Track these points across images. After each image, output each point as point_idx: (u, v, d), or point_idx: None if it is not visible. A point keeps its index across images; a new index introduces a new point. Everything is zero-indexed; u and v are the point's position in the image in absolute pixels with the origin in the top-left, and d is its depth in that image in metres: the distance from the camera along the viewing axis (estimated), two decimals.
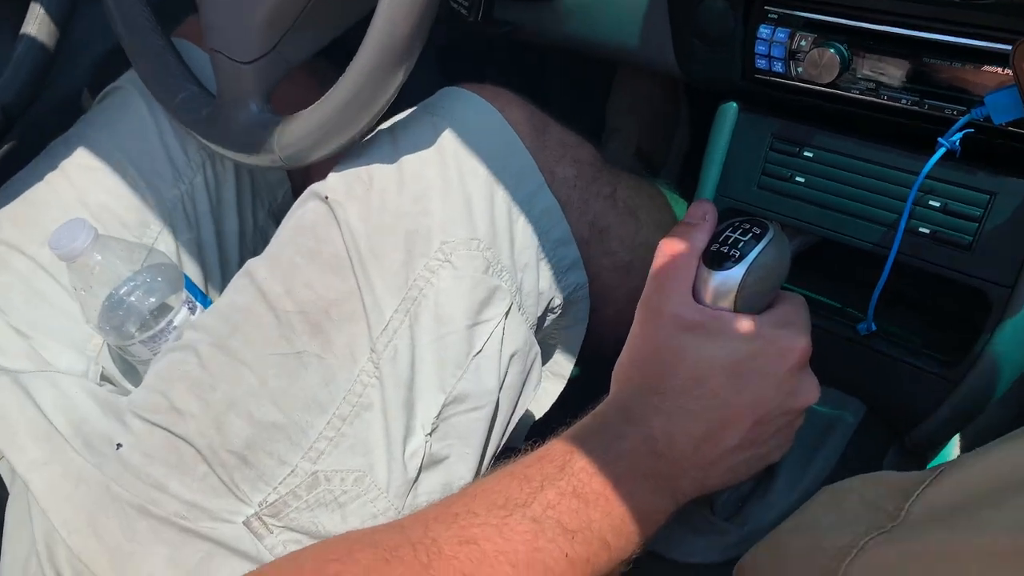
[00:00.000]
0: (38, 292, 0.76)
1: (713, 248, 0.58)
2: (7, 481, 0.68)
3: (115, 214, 0.80)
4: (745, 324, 0.56)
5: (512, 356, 0.69)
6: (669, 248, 0.59)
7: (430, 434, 0.65)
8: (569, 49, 0.82)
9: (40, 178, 0.80)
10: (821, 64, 0.61)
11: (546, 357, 0.80)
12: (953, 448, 0.72)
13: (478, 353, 0.67)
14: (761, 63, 0.66)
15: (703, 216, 0.60)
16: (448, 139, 0.69)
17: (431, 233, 0.66)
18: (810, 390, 0.57)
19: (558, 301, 0.75)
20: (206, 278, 0.86)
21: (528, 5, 0.81)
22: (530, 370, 0.72)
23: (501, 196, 0.69)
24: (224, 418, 0.62)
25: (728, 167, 0.73)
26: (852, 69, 0.62)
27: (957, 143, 0.58)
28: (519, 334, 0.70)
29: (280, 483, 0.62)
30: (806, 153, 0.68)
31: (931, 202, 0.63)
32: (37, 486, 0.62)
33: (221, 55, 0.70)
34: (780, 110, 0.70)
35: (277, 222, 0.73)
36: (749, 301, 0.56)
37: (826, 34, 0.62)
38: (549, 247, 0.73)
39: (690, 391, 0.54)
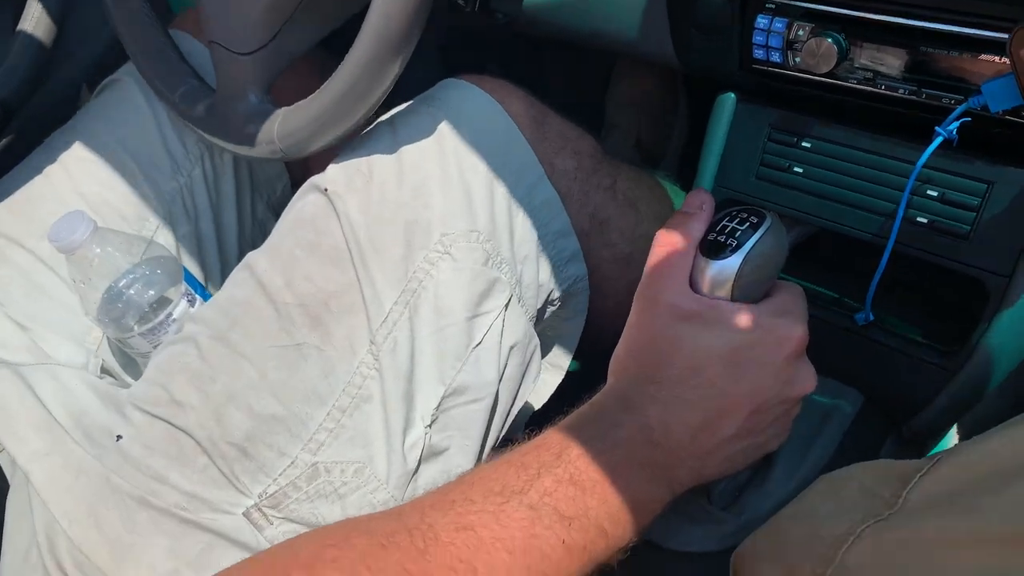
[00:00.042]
0: (38, 285, 0.76)
1: (710, 237, 0.58)
2: (7, 473, 0.68)
3: (114, 207, 0.80)
4: (742, 313, 0.56)
5: (512, 348, 0.69)
6: (666, 238, 0.59)
7: (429, 426, 0.66)
8: (568, 41, 0.82)
9: (39, 171, 0.80)
10: (819, 54, 0.61)
11: (545, 349, 0.80)
12: (952, 438, 0.72)
13: (478, 345, 0.67)
14: (759, 53, 0.66)
15: (700, 205, 0.60)
16: (448, 131, 0.69)
17: (431, 225, 0.66)
18: (807, 379, 0.57)
19: (558, 293, 0.75)
20: (205, 271, 0.86)
21: None
22: (529, 362, 0.73)
23: (501, 188, 0.69)
24: (224, 410, 0.62)
25: (726, 158, 0.73)
26: (850, 59, 0.62)
27: (954, 132, 0.58)
28: (519, 326, 0.70)
29: (280, 474, 0.62)
30: (804, 143, 0.68)
31: (929, 192, 0.63)
32: (38, 477, 0.62)
33: (220, 47, 0.70)
34: (778, 100, 0.70)
35: (276, 215, 0.73)
36: (746, 290, 0.56)
37: (824, 24, 0.62)
38: (549, 239, 0.73)
39: (687, 380, 0.54)
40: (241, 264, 0.69)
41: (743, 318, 0.55)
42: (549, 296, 0.74)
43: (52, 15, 0.85)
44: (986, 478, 0.45)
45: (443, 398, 0.66)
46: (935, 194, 0.62)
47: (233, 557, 0.60)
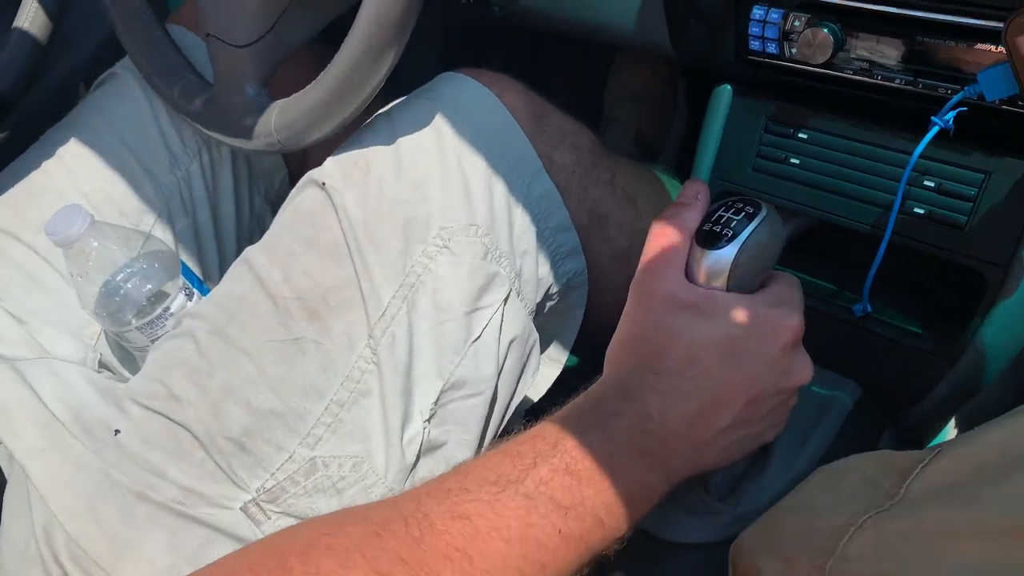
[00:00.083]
0: (35, 279, 0.76)
1: (706, 228, 0.58)
2: (5, 468, 0.68)
3: (112, 201, 0.80)
4: (738, 303, 0.55)
5: (511, 342, 0.69)
6: (662, 228, 0.59)
7: (428, 420, 0.65)
8: (564, 33, 0.82)
9: (37, 165, 0.80)
10: (815, 44, 0.61)
11: (544, 343, 0.80)
12: (950, 429, 0.72)
13: (476, 339, 0.67)
14: (755, 44, 0.66)
15: (696, 196, 0.60)
16: (446, 124, 0.69)
17: (429, 219, 0.66)
18: (803, 369, 0.57)
19: (557, 287, 0.75)
20: (203, 265, 0.86)
21: None
22: (528, 356, 0.72)
23: (499, 182, 0.69)
24: (222, 405, 0.62)
25: (723, 150, 0.73)
26: (845, 49, 0.62)
27: (951, 122, 0.58)
28: (518, 320, 0.70)
29: (278, 469, 0.62)
30: (800, 135, 0.68)
31: (926, 183, 0.63)
32: (36, 472, 0.62)
33: (217, 40, 0.70)
34: (774, 92, 0.70)
35: (274, 208, 0.73)
36: (742, 280, 0.56)
37: (819, 14, 0.62)
38: (548, 233, 0.72)
39: (683, 371, 0.54)
40: (239, 259, 0.69)
41: (739, 308, 0.55)
42: (548, 290, 0.74)
43: (48, 11, 0.84)
44: (987, 469, 0.45)
45: (442, 392, 0.66)
46: (932, 185, 0.62)
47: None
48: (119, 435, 0.63)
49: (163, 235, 0.82)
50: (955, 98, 0.57)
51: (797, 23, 0.63)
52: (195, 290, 0.76)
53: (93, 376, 0.69)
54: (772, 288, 0.58)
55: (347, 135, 0.71)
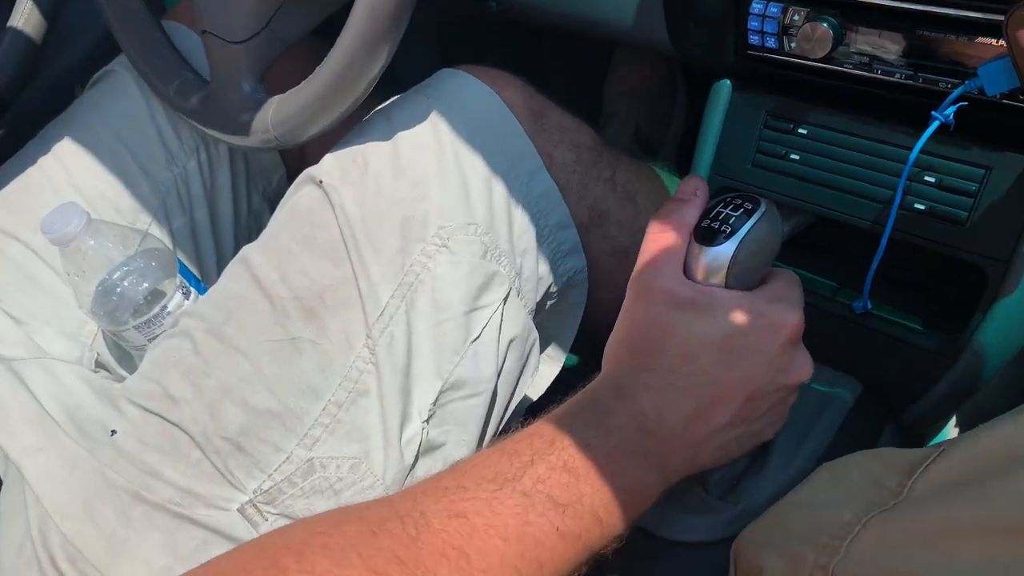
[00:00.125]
0: (32, 278, 0.76)
1: (704, 224, 0.57)
2: (1, 468, 0.68)
3: (108, 199, 0.80)
4: (736, 300, 0.55)
5: (510, 342, 0.69)
6: (660, 225, 0.59)
7: (427, 420, 0.65)
8: (563, 29, 0.82)
9: (33, 163, 0.80)
10: (814, 39, 0.61)
11: (543, 341, 0.80)
12: (951, 426, 0.71)
13: (476, 339, 0.66)
14: (754, 39, 0.65)
15: (694, 192, 0.60)
16: (444, 121, 0.69)
17: (428, 218, 0.66)
18: (803, 366, 0.56)
19: (557, 286, 0.75)
20: (200, 263, 0.86)
21: None
22: (528, 356, 0.72)
23: (499, 180, 0.69)
24: (218, 405, 0.62)
25: (722, 146, 0.73)
26: (845, 43, 0.61)
27: (951, 116, 0.57)
28: (518, 320, 0.69)
29: (275, 470, 0.62)
30: (800, 130, 0.68)
31: (926, 178, 0.62)
32: (31, 472, 0.62)
33: (213, 36, 0.70)
34: (774, 87, 0.69)
35: (272, 206, 0.72)
36: (740, 277, 0.56)
37: (819, 8, 0.61)
38: (548, 231, 0.72)
39: (680, 368, 0.54)
40: (236, 258, 0.69)
41: (737, 305, 0.55)
42: (548, 289, 0.74)
43: (43, 10, 0.84)
44: (992, 468, 0.44)
45: (440, 393, 0.65)
46: (932, 180, 0.62)
47: None
48: (115, 435, 0.63)
49: (160, 233, 0.82)
50: (955, 92, 0.56)
51: (796, 17, 0.62)
52: (192, 289, 0.76)
53: (89, 376, 0.69)
54: (771, 285, 0.58)
55: (345, 132, 0.71)
